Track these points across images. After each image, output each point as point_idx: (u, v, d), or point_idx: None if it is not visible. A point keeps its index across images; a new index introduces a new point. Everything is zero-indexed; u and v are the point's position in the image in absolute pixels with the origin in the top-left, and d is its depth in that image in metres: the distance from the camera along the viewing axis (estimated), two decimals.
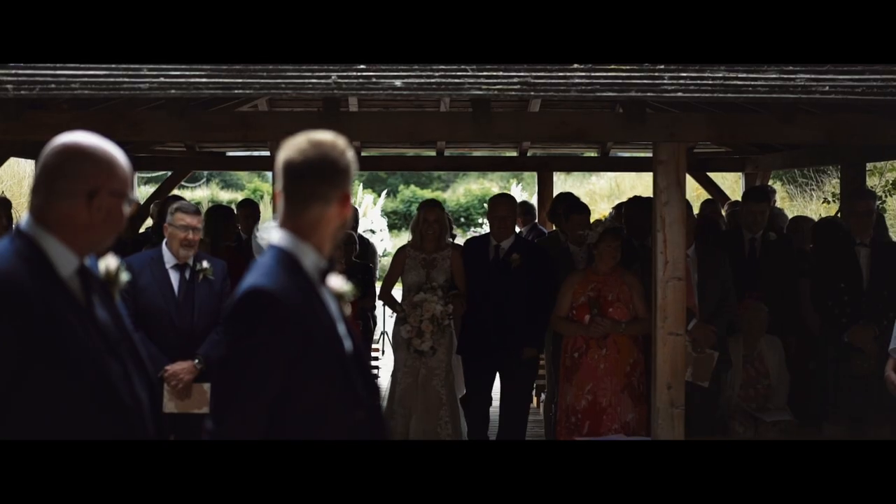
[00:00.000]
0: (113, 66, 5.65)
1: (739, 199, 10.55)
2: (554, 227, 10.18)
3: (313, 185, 2.99)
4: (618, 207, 10.64)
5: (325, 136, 3.04)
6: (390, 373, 8.33)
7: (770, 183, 12.66)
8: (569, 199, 9.77)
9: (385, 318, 15.04)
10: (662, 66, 5.80)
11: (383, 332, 15.24)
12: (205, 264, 6.43)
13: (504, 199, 8.39)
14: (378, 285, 9.42)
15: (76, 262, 2.87)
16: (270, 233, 5.99)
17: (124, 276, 3.04)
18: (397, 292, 8.47)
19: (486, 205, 10.26)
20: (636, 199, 8.92)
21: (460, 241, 9.81)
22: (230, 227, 8.71)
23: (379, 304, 11.32)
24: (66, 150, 2.87)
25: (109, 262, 3.03)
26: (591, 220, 8.80)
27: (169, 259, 6.36)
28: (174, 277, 6.35)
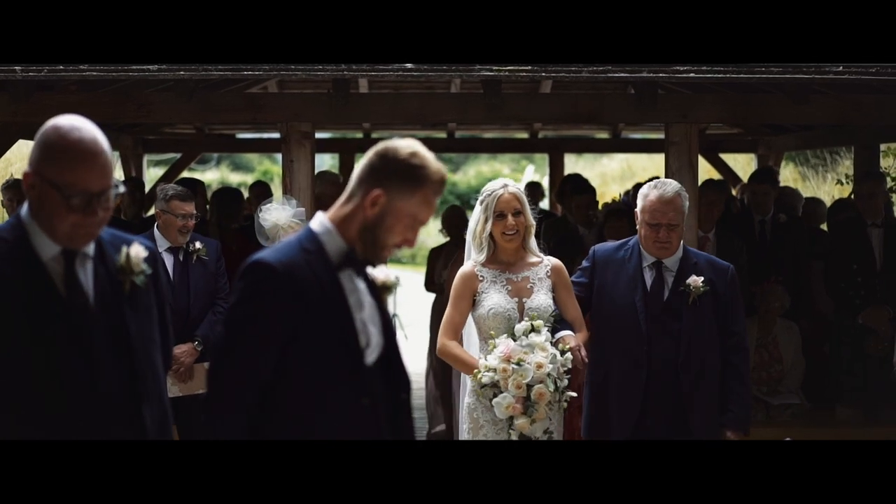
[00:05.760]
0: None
1: None
2: (561, 210, 10.13)
3: (359, 180, 2.98)
4: (636, 188, 10.56)
5: (401, 142, 3.01)
6: None
7: (783, 164, 12.58)
8: (573, 180, 9.71)
9: (396, 301, 14.96)
10: None
11: (394, 315, 15.17)
12: (198, 245, 6.39)
13: (672, 193, 5.07)
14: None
15: (55, 248, 2.86)
16: (272, 213, 5.98)
17: (142, 267, 2.99)
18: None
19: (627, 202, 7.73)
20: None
21: None
22: (238, 208, 8.65)
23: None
24: (39, 132, 2.87)
25: (131, 251, 2.98)
26: (603, 202, 8.74)
27: (162, 242, 6.33)
28: (168, 260, 6.31)
